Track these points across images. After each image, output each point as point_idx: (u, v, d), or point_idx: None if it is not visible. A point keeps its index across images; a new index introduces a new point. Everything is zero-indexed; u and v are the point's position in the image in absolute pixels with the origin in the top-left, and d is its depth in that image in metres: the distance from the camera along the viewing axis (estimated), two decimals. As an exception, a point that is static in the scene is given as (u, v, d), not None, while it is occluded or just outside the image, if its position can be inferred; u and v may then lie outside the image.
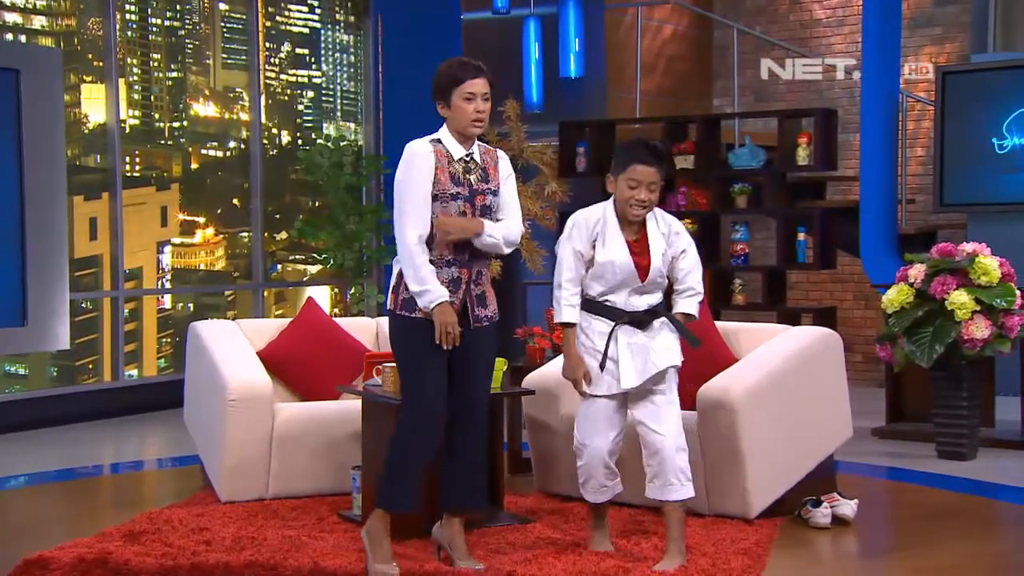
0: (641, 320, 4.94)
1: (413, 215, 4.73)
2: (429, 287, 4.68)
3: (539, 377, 6.29)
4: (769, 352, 6.02)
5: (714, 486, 5.67)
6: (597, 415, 5.01)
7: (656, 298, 4.99)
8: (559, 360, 6.36)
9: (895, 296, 7.46)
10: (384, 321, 6.98)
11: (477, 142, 4.92)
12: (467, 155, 4.86)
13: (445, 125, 4.89)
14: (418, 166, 4.77)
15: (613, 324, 4.94)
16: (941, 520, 5.96)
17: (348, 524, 5.59)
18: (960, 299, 7.21)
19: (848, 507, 5.73)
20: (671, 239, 4.99)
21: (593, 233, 4.95)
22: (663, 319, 4.97)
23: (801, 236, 9.61)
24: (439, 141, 4.85)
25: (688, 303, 5.03)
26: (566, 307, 4.93)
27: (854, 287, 11.29)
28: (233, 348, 6.47)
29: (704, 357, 5.85)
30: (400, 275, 4.80)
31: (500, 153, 4.98)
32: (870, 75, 9.19)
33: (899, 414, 8.47)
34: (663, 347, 4.94)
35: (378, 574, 4.75)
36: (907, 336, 7.38)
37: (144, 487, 7.26)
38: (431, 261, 4.74)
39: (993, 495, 6.62)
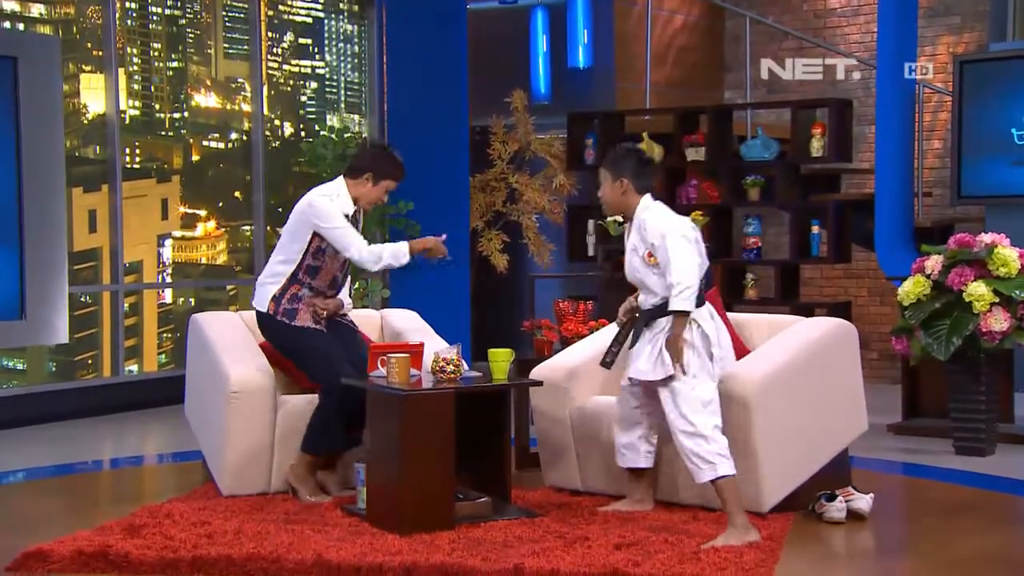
0: (648, 320, 5.32)
1: (354, 234, 5.90)
2: (397, 248, 5.93)
3: (547, 369, 6.18)
4: (782, 343, 5.94)
5: (727, 479, 5.54)
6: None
7: (657, 299, 5.27)
8: (567, 352, 6.31)
9: (911, 288, 7.35)
10: (389, 313, 6.98)
11: None
12: (355, 210, 6.05)
13: (346, 184, 6.06)
14: (336, 207, 5.92)
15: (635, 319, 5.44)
16: (958, 515, 5.88)
17: (352, 518, 5.49)
18: (978, 291, 7.10)
19: (863, 501, 5.64)
20: (642, 234, 5.28)
21: None
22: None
23: (815, 229, 9.47)
24: (338, 196, 6.00)
25: (673, 302, 5.11)
26: None
27: (869, 283, 11.16)
28: (235, 340, 6.40)
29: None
30: (292, 278, 6.01)
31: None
32: (886, 65, 9.05)
33: (915, 409, 8.35)
34: (648, 358, 5.28)
35: (310, 504, 5.74)
36: (924, 329, 7.28)
37: (144, 482, 7.22)
38: (314, 288, 6.04)
39: (1011, 491, 6.51)
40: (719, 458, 5.11)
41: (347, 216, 5.96)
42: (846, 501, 5.59)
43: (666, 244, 5.12)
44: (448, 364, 5.46)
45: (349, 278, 6.26)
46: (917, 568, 5.03)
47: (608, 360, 5.46)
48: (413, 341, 6.08)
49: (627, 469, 5.65)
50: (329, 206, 5.92)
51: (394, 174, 6.08)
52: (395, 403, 5.29)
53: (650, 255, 5.22)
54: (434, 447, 5.27)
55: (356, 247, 5.88)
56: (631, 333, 5.43)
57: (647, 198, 5.38)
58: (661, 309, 5.22)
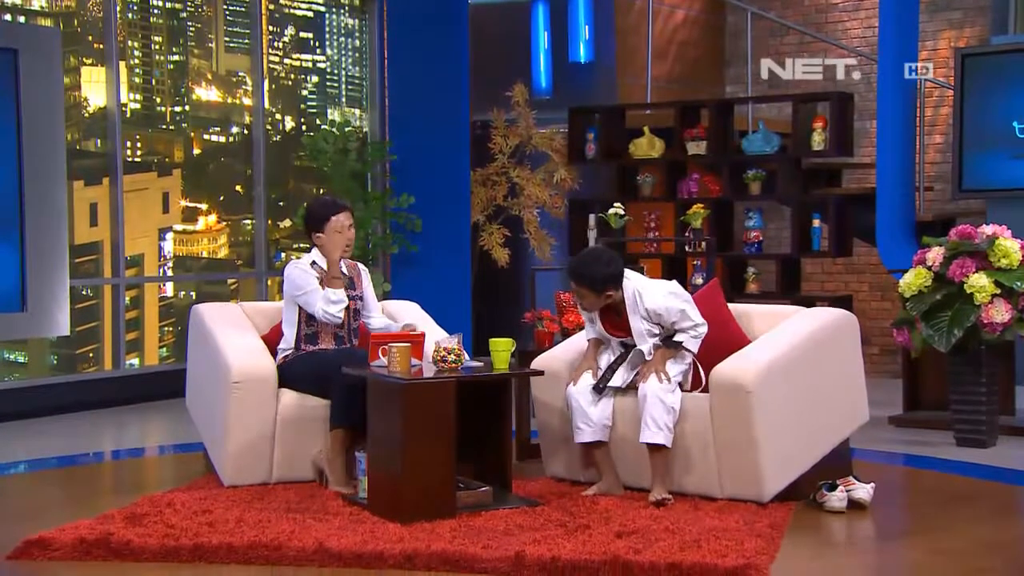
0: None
1: (316, 296, 6.02)
2: (325, 293, 6.03)
3: (548, 360, 6.17)
4: (783, 333, 5.92)
5: (727, 469, 5.58)
6: None
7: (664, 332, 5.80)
8: (568, 343, 6.33)
9: (913, 279, 7.33)
10: (388, 304, 7.00)
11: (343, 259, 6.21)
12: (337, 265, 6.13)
13: (317, 248, 6.16)
14: (306, 273, 6.08)
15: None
16: (958, 505, 5.86)
17: (354, 507, 5.48)
18: (979, 282, 7.08)
19: (864, 491, 5.62)
20: (656, 317, 5.67)
21: None
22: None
23: (816, 223, 9.48)
24: (315, 263, 6.14)
25: (691, 343, 5.72)
26: None
27: (870, 277, 11.15)
28: (236, 330, 6.40)
29: (717, 339, 5.80)
30: (296, 348, 6.14)
31: (361, 266, 6.38)
32: (887, 60, 9.04)
33: (916, 402, 8.32)
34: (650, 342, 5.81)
35: (336, 492, 5.74)
36: (925, 320, 7.25)
37: (146, 473, 7.18)
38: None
39: (1012, 481, 6.49)
40: (667, 429, 5.56)
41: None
42: (847, 491, 5.57)
43: (685, 315, 5.63)
44: (449, 354, 5.45)
45: (377, 320, 6.35)
46: (917, 557, 5.00)
47: (601, 386, 5.75)
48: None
49: (585, 452, 5.86)
50: (298, 274, 6.09)
51: (323, 217, 6.13)
52: (396, 392, 5.27)
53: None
54: (435, 436, 5.26)
55: (318, 305, 6.03)
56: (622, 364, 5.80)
57: (624, 283, 5.68)
58: (669, 338, 5.71)
